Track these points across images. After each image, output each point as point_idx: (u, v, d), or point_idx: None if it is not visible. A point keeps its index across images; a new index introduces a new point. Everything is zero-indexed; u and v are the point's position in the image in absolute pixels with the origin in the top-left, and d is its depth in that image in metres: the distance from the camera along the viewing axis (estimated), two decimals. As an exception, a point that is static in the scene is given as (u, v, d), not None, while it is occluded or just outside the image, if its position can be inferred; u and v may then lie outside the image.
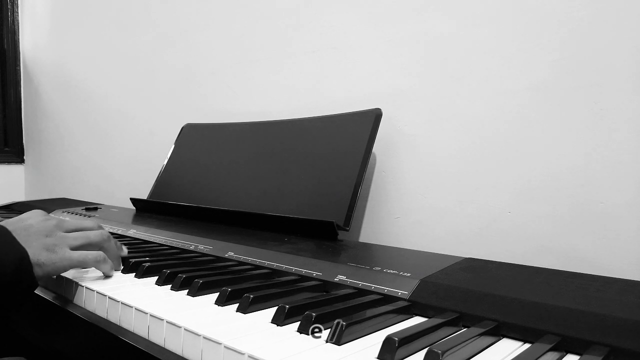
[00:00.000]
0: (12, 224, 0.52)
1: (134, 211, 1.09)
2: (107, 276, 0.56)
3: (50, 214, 1.04)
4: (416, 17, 0.83)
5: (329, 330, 0.38)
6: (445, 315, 0.43)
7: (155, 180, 1.12)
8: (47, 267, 0.50)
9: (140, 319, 0.44)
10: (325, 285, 0.53)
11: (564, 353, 0.38)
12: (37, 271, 0.49)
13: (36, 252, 0.49)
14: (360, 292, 0.49)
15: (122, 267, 0.60)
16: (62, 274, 0.56)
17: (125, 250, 0.63)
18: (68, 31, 1.80)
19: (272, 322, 0.42)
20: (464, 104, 0.77)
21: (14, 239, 0.49)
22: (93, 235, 0.56)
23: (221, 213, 0.88)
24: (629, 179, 0.62)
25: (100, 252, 0.55)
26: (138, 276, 0.57)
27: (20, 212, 1.11)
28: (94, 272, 0.58)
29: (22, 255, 0.48)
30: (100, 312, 0.49)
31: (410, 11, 0.83)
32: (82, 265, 0.54)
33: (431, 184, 0.80)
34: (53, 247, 0.51)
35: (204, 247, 0.69)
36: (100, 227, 0.60)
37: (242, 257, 0.63)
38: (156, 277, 0.55)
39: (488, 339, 0.39)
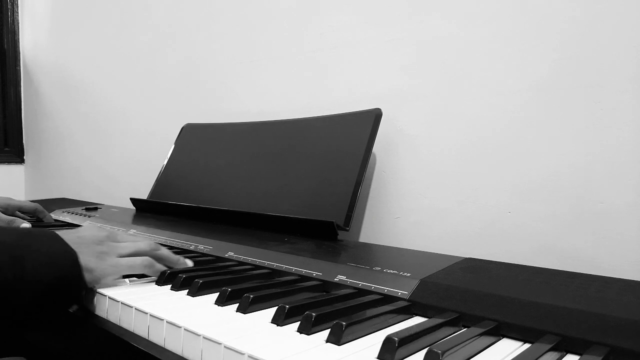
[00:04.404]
0: (65, 233, 0.53)
1: (134, 211, 1.09)
2: (151, 280, 0.56)
3: (50, 214, 1.04)
4: (416, 17, 0.83)
5: (328, 330, 0.38)
6: (445, 315, 0.43)
7: (155, 180, 1.12)
8: (96, 273, 0.51)
9: (140, 319, 0.44)
10: (325, 285, 0.53)
11: (564, 353, 0.38)
12: (87, 276, 0.50)
13: (86, 258, 0.50)
14: (360, 292, 0.49)
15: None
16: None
17: (190, 262, 0.61)
18: (68, 31, 1.80)
19: (272, 322, 0.42)
20: (464, 104, 0.77)
21: (65, 243, 0.50)
22: (142, 245, 0.57)
23: (221, 213, 0.88)
24: (629, 179, 0.62)
25: (148, 258, 0.56)
26: (138, 276, 0.57)
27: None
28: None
29: (73, 258, 0.49)
30: (100, 311, 0.49)
31: (410, 11, 0.83)
32: (131, 270, 0.54)
33: (431, 184, 0.80)
34: (103, 255, 0.53)
35: (204, 247, 0.69)
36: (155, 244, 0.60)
37: (242, 257, 0.63)
38: (156, 277, 0.55)
39: (488, 339, 0.39)
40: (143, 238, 0.60)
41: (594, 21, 0.65)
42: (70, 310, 0.51)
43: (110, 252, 0.54)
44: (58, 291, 0.47)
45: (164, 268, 0.57)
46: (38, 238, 0.49)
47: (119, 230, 0.86)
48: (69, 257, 0.49)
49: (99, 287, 0.51)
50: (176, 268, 0.58)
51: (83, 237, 0.53)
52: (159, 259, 0.58)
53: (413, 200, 0.82)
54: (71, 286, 0.49)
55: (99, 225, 0.90)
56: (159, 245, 0.59)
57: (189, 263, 0.61)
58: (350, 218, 0.74)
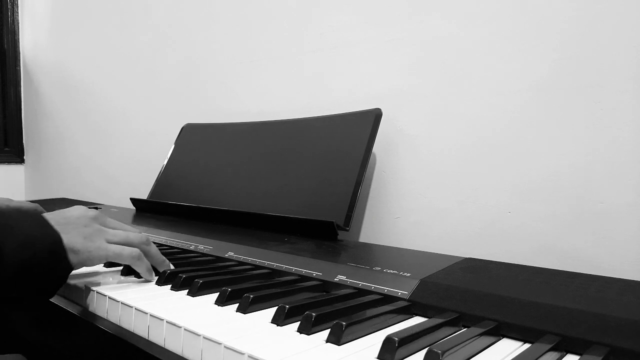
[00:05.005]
0: (51, 213, 0.52)
1: (134, 211, 1.09)
2: (146, 280, 0.55)
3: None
4: (416, 17, 0.83)
5: (328, 330, 0.38)
6: (445, 315, 0.43)
7: (155, 180, 1.12)
8: (82, 254, 0.49)
9: (140, 319, 0.44)
10: (325, 285, 0.53)
11: (564, 353, 0.38)
12: (72, 258, 0.48)
13: (72, 239, 0.49)
14: (360, 292, 0.49)
15: (123, 267, 0.60)
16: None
17: (171, 266, 0.59)
18: (68, 31, 1.80)
19: (272, 322, 0.42)
20: (464, 104, 0.77)
21: (47, 222, 0.48)
22: (132, 236, 0.55)
23: (221, 213, 0.88)
24: (629, 179, 0.62)
25: (137, 250, 0.54)
26: (138, 276, 0.57)
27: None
28: (96, 273, 0.58)
29: (55, 238, 0.47)
30: (100, 311, 0.49)
31: (410, 11, 0.83)
32: (118, 258, 0.52)
33: (431, 184, 0.80)
34: (90, 236, 0.51)
35: (204, 247, 0.69)
36: (144, 235, 0.58)
37: (242, 257, 0.63)
38: (156, 277, 0.55)
39: (488, 339, 0.39)
40: (133, 228, 0.59)
41: (594, 21, 0.65)
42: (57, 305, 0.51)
43: (99, 235, 0.52)
44: (39, 272, 0.46)
45: (150, 266, 0.56)
46: (18, 219, 0.47)
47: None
48: (50, 237, 0.47)
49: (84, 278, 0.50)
50: (151, 278, 0.56)
51: (69, 218, 0.52)
52: (146, 254, 0.56)
53: (413, 200, 0.82)
54: (54, 266, 0.47)
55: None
56: (150, 241, 0.57)
57: (171, 266, 0.59)
58: (350, 218, 0.74)
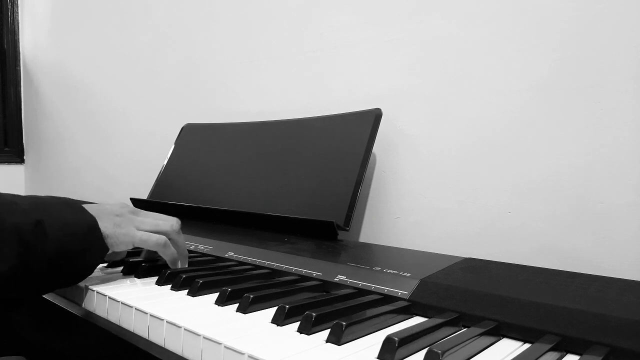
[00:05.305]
0: (87, 204, 0.54)
1: (134, 211, 1.09)
2: (172, 264, 0.57)
3: None
4: (416, 17, 0.83)
5: (329, 330, 0.38)
6: (445, 315, 0.43)
7: (155, 180, 1.13)
8: (111, 239, 0.52)
9: (140, 319, 0.44)
10: (325, 285, 0.53)
11: (564, 353, 0.38)
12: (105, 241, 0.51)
13: (103, 225, 0.51)
14: (360, 292, 0.49)
15: (123, 267, 0.60)
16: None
17: (186, 264, 0.61)
18: (68, 31, 1.80)
19: (272, 322, 0.42)
20: (464, 104, 0.77)
21: (83, 209, 0.52)
22: (162, 224, 0.57)
23: (221, 213, 0.88)
24: (629, 179, 0.62)
25: (164, 237, 0.56)
26: (138, 276, 0.57)
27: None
28: (96, 273, 0.58)
29: (92, 222, 0.50)
30: (100, 311, 0.49)
31: (410, 11, 0.83)
32: (144, 244, 0.55)
33: (431, 184, 0.80)
34: (120, 223, 0.54)
35: (204, 247, 0.69)
36: (177, 221, 0.60)
37: (242, 257, 0.63)
38: (156, 277, 0.55)
39: (488, 339, 0.39)
40: (167, 217, 0.60)
41: (594, 21, 0.65)
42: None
43: (128, 222, 0.54)
44: (79, 251, 0.49)
45: (175, 254, 0.57)
46: (57, 205, 0.50)
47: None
48: (88, 222, 0.50)
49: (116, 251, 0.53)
50: (177, 267, 0.58)
51: (103, 208, 0.54)
52: (174, 243, 0.58)
53: (413, 200, 0.82)
54: (92, 247, 0.50)
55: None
56: (180, 230, 0.59)
57: (186, 264, 0.61)
58: (350, 218, 0.74)
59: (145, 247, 0.55)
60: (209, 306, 0.46)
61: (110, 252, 0.52)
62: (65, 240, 0.47)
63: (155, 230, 0.56)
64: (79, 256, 0.49)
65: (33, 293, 0.50)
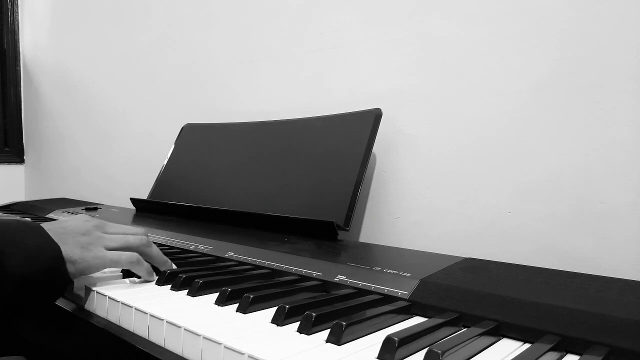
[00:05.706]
0: (50, 224, 0.52)
1: (134, 211, 1.09)
2: (148, 278, 0.55)
3: (50, 214, 1.04)
4: (416, 17, 0.83)
5: (328, 330, 0.38)
6: (445, 315, 0.43)
7: (155, 180, 1.12)
8: (79, 264, 0.49)
9: (140, 319, 0.44)
10: (325, 285, 0.53)
11: (564, 353, 0.38)
12: (70, 268, 0.49)
13: (69, 249, 0.49)
14: (360, 292, 0.49)
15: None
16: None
17: (173, 266, 0.59)
18: (68, 31, 1.80)
19: (272, 322, 0.42)
20: (464, 104, 0.77)
21: (47, 235, 0.49)
22: (132, 239, 0.55)
23: (221, 213, 0.88)
24: (629, 179, 0.62)
25: (135, 254, 0.54)
26: (138, 276, 0.57)
27: (20, 212, 1.11)
28: (96, 273, 0.58)
29: (55, 252, 0.48)
30: (100, 311, 0.49)
31: (410, 11, 0.83)
32: (116, 265, 0.52)
33: (431, 184, 0.80)
34: (87, 245, 0.51)
35: (204, 247, 0.69)
36: (145, 234, 0.58)
37: (242, 257, 0.63)
38: (156, 277, 0.55)
39: (488, 339, 0.39)
40: (135, 230, 0.58)
41: (594, 21, 0.65)
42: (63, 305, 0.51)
43: (97, 242, 0.52)
44: (41, 285, 0.46)
45: (150, 268, 0.56)
46: (19, 231, 0.47)
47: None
48: (51, 251, 0.48)
49: (83, 279, 0.51)
50: (153, 278, 0.56)
51: (67, 227, 0.52)
52: (147, 256, 0.56)
53: (413, 200, 0.82)
54: (55, 280, 0.48)
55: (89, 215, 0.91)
56: (151, 242, 0.57)
57: (174, 266, 0.59)
58: (350, 218, 0.74)
59: (117, 267, 0.53)
60: (208, 306, 0.46)
61: (77, 277, 0.50)
62: (25, 274, 0.45)
63: (125, 246, 0.54)
64: (40, 290, 0.47)
65: None
